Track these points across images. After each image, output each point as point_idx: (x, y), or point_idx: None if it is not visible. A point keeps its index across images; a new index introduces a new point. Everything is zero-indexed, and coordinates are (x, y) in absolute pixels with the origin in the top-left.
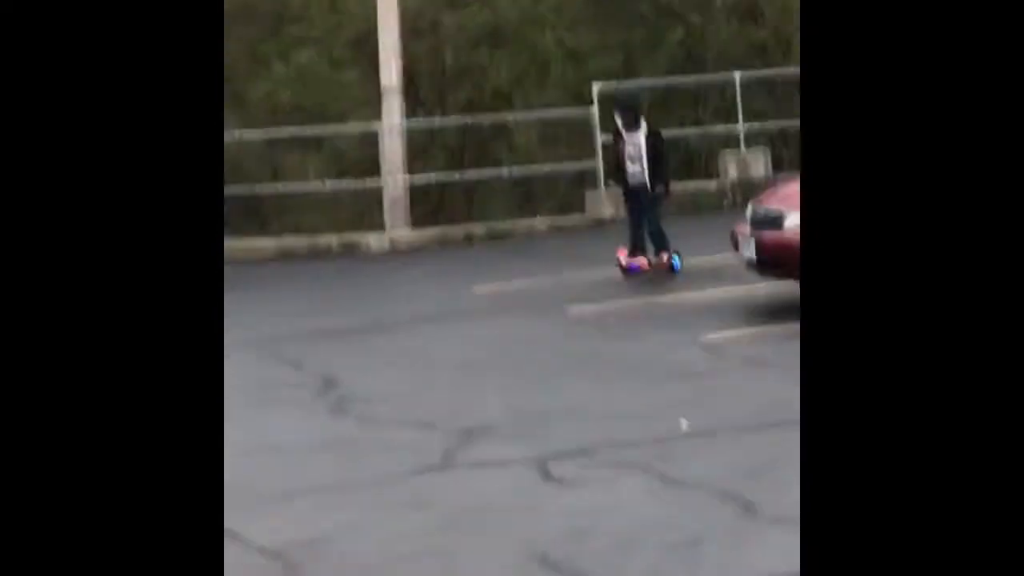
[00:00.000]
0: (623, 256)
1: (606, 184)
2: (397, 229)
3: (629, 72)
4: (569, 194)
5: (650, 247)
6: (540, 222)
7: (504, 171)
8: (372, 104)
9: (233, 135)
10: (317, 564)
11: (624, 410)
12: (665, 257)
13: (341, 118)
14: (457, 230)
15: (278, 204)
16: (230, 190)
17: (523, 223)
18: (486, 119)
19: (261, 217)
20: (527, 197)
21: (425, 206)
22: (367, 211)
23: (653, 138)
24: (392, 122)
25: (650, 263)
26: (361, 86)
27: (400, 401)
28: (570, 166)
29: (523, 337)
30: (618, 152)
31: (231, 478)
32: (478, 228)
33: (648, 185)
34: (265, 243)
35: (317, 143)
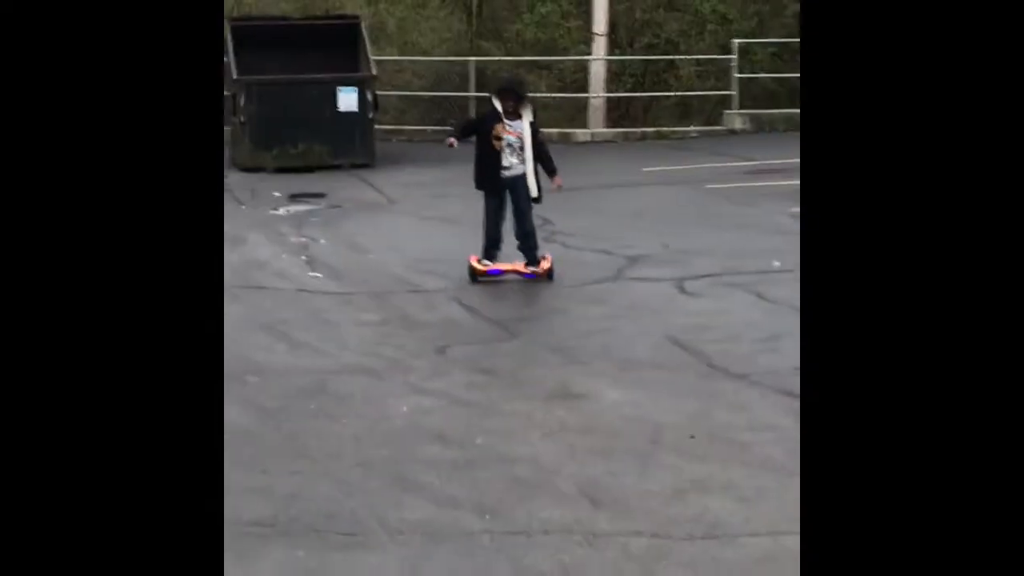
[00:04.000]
0: (476, 261)
1: (478, 185)
2: (596, 127)
3: (763, 32)
4: (713, 111)
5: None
6: (692, 129)
7: (671, 94)
8: (586, 43)
9: (493, 59)
10: (526, 330)
11: (738, 251)
12: (544, 264)
13: (565, 51)
14: (636, 131)
15: None
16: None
17: (680, 129)
18: (661, 58)
19: None
20: (684, 112)
21: (616, 113)
22: (577, 114)
23: (535, 128)
24: (598, 56)
25: (522, 270)
26: (579, 31)
27: (590, 236)
28: (715, 93)
29: (675, 200)
30: (488, 142)
31: (463, 272)
32: (650, 130)
33: (531, 180)
34: None
35: (548, 66)
